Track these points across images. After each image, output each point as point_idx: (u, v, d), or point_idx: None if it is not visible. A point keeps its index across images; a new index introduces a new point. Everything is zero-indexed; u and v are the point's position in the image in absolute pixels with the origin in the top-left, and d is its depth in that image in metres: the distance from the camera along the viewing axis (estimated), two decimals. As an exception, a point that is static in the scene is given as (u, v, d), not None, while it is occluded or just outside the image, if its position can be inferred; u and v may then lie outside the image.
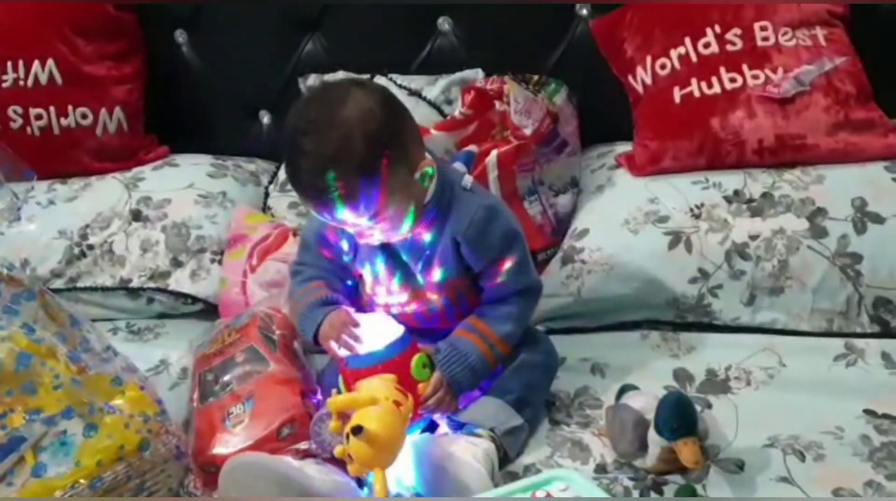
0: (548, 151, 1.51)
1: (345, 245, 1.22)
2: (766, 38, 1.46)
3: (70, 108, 1.71)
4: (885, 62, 1.51)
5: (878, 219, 1.31)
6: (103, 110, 1.73)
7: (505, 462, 1.13)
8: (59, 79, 1.70)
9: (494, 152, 1.45)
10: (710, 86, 1.46)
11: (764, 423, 1.13)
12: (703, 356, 1.29)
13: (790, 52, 1.45)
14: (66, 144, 1.72)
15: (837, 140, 1.41)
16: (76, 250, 1.59)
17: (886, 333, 1.29)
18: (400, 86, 1.64)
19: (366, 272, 1.23)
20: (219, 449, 1.12)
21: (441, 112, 1.63)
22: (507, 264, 1.18)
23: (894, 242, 1.30)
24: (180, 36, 1.82)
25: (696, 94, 1.47)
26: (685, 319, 1.36)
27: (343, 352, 1.15)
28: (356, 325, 1.17)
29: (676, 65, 1.50)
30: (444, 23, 1.71)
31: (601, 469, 1.11)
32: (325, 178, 1.05)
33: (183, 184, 1.67)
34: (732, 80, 1.45)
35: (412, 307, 1.22)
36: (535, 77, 1.58)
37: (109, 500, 1.06)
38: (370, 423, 0.99)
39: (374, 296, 1.23)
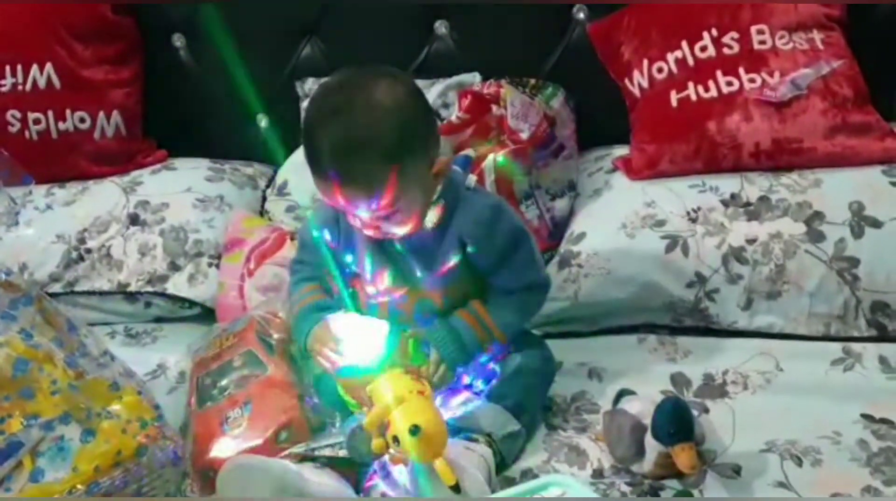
0: (545, 154, 1.51)
1: (347, 242, 1.21)
2: (762, 42, 1.46)
3: (68, 112, 1.71)
4: (882, 65, 1.51)
5: (876, 223, 1.31)
6: (101, 114, 1.73)
7: (502, 468, 1.12)
8: (57, 83, 1.70)
9: (491, 156, 1.45)
10: (706, 89, 1.46)
11: (761, 428, 1.13)
12: (700, 360, 1.29)
13: (787, 55, 1.45)
14: (64, 148, 1.72)
15: (835, 144, 1.41)
16: (74, 255, 1.60)
17: (884, 337, 1.28)
18: (397, 90, 1.65)
19: (363, 270, 1.22)
20: (217, 453, 1.12)
21: (438, 116, 1.63)
22: (514, 261, 1.18)
23: (892, 246, 1.30)
24: (178, 40, 1.83)
25: (693, 97, 1.47)
26: (682, 323, 1.36)
27: (326, 364, 1.16)
28: (337, 341, 1.16)
29: (673, 68, 1.50)
30: (440, 27, 1.71)
31: (598, 473, 1.11)
32: (349, 163, 1.05)
33: (181, 188, 1.67)
34: (729, 83, 1.45)
35: (409, 307, 1.21)
36: (532, 81, 1.58)
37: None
38: (420, 420, 1.01)
39: (372, 295, 1.23)
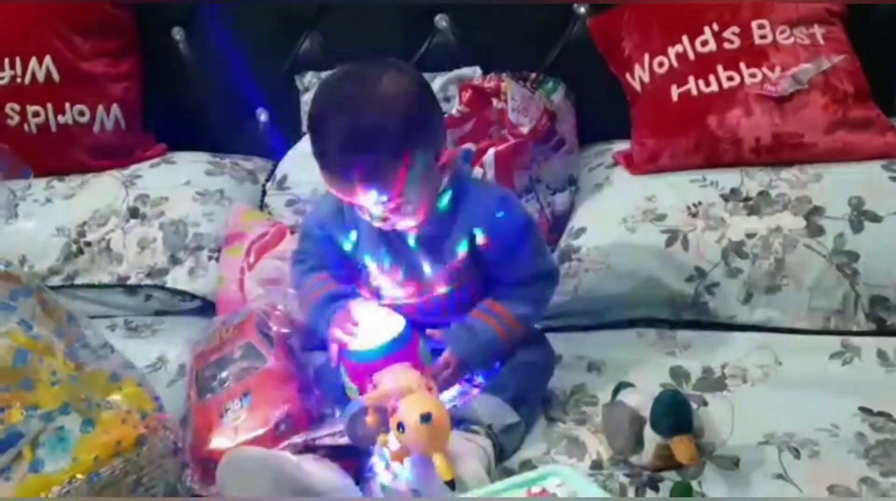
0: (545, 149, 1.51)
1: (352, 236, 1.22)
2: (763, 37, 1.47)
3: (67, 105, 1.71)
4: (883, 61, 1.52)
5: (875, 218, 1.32)
6: (101, 108, 1.73)
7: (501, 459, 1.13)
8: (56, 76, 1.71)
9: (492, 151, 1.45)
10: (707, 84, 1.47)
11: (760, 420, 1.13)
12: (699, 353, 1.29)
13: (788, 50, 1.46)
14: (63, 141, 1.73)
15: (835, 139, 1.41)
16: (74, 248, 1.60)
17: (882, 331, 1.28)
18: (397, 84, 1.65)
19: (369, 264, 1.22)
20: (217, 444, 1.12)
21: (439, 110, 1.63)
22: (523, 251, 1.19)
23: (891, 240, 1.30)
24: (177, 34, 1.83)
25: (694, 92, 1.47)
26: (682, 317, 1.36)
27: (344, 340, 1.16)
28: (354, 323, 1.17)
29: (674, 63, 1.50)
30: (441, 20, 1.71)
31: (597, 465, 1.11)
32: (357, 155, 1.05)
33: (180, 182, 1.67)
34: (730, 78, 1.45)
35: (415, 300, 1.21)
36: (533, 75, 1.59)
37: (106, 499, 1.06)
38: (432, 409, 1.02)
39: (379, 289, 1.23)
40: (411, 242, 1.18)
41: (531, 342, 1.24)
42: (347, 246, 1.23)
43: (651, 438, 1.06)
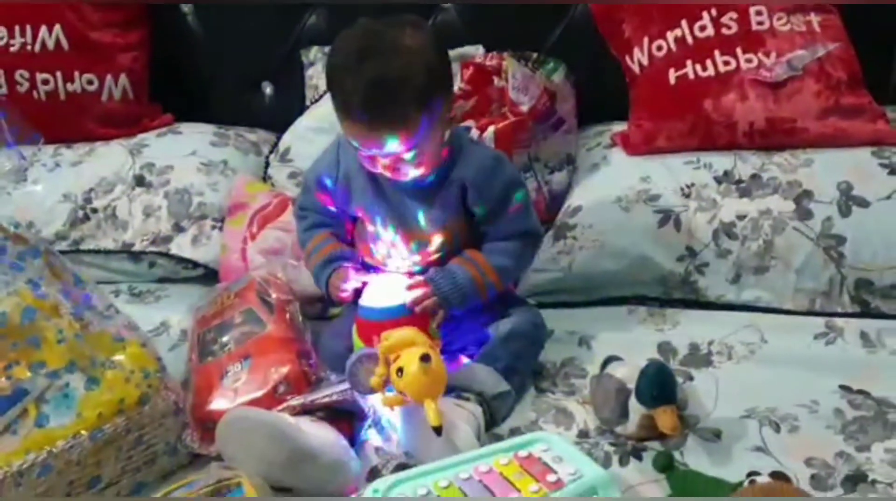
0: (544, 128, 1.54)
1: (347, 187, 1.26)
2: (761, 23, 1.49)
3: (76, 73, 1.74)
4: (877, 49, 1.54)
5: (863, 203, 1.35)
6: (109, 77, 1.75)
7: (491, 426, 1.16)
8: (65, 44, 1.73)
9: (491, 128, 1.48)
10: (704, 68, 1.49)
11: (743, 395, 1.17)
12: (687, 330, 1.32)
13: (784, 36, 1.48)
14: (71, 109, 1.75)
15: (826, 125, 1.44)
16: (80, 214, 1.63)
17: (866, 313, 1.32)
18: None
19: (363, 216, 1.26)
20: (217, 405, 1.15)
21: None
22: (510, 208, 1.23)
23: (877, 225, 1.33)
24: (186, 6, 1.85)
25: (691, 76, 1.50)
26: (672, 295, 1.39)
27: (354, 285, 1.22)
28: (346, 281, 1.24)
29: (672, 47, 1.53)
30: (445, -1, 1.73)
31: (583, 434, 1.14)
32: (383, 103, 1.10)
33: (186, 152, 1.70)
34: (726, 63, 1.48)
35: (408, 260, 1.25)
36: (535, 55, 1.61)
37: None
38: (433, 355, 1.07)
39: (372, 245, 1.27)
40: (406, 194, 1.22)
41: (523, 315, 1.27)
42: (342, 199, 1.27)
43: (636, 408, 1.09)
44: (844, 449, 1.07)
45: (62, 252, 1.56)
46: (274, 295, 1.29)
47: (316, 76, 1.76)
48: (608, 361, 1.22)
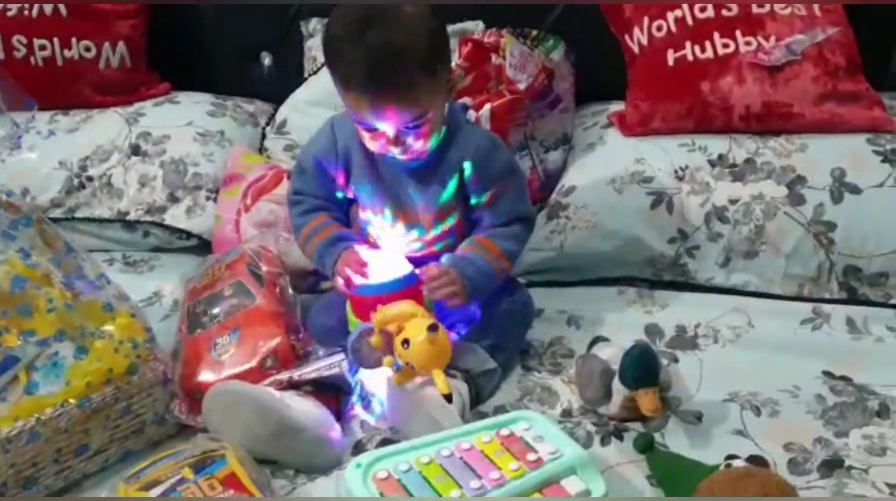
0: (541, 106, 1.53)
1: (346, 167, 1.25)
2: (761, 6, 1.48)
3: (74, 40, 1.73)
4: (878, 35, 1.53)
5: (855, 190, 1.35)
6: (107, 44, 1.74)
7: (477, 403, 1.18)
8: (63, 10, 1.72)
9: (488, 106, 1.48)
10: (703, 50, 1.48)
11: (726, 379, 1.18)
12: (675, 313, 1.33)
13: (784, 20, 1.47)
14: (68, 75, 1.75)
15: (823, 110, 1.43)
16: (75, 182, 1.63)
17: (853, 300, 1.33)
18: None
19: (361, 198, 1.26)
20: (205, 377, 1.17)
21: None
22: (507, 191, 1.23)
23: (868, 212, 1.33)
24: (186, -27, 1.84)
25: (690, 57, 1.49)
26: (662, 277, 1.40)
27: (355, 279, 1.19)
28: (363, 263, 1.20)
29: (672, 27, 1.52)
30: (446, -28, 1.71)
31: (567, 413, 1.16)
32: (389, 71, 1.08)
33: (182, 121, 1.70)
34: (725, 45, 1.47)
35: (405, 242, 1.25)
36: (534, 32, 1.60)
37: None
38: (438, 324, 1.08)
39: (369, 226, 1.27)
40: (402, 174, 1.22)
41: (512, 294, 1.28)
42: (340, 179, 1.26)
43: (618, 389, 1.10)
44: (823, 435, 1.08)
45: (57, 220, 1.59)
46: (265, 268, 1.29)
47: (315, 48, 1.75)
48: (595, 341, 1.23)
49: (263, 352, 1.17)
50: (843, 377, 1.17)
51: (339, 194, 1.29)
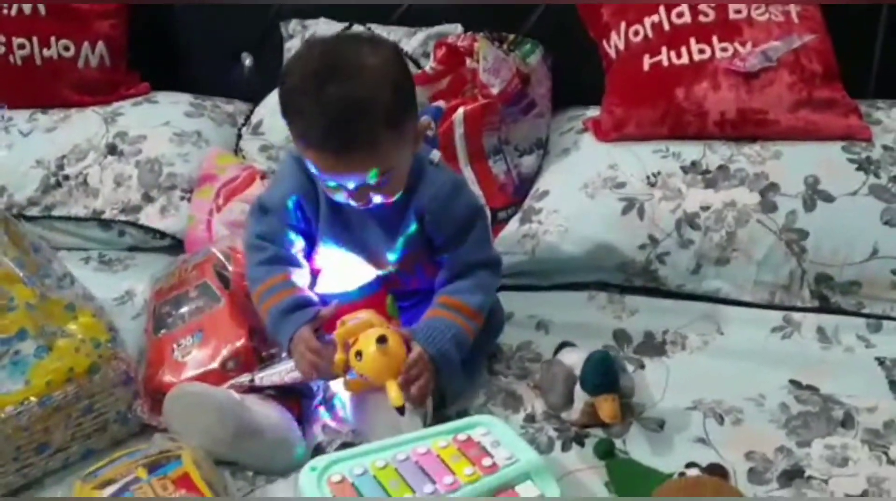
0: (514, 111, 1.53)
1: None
2: (738, 11, 1.47)
3: (52, 39, 1.73)
4: (855, 42, 1.52)
5: (828, 198, 1.34)
6: (86, 44, 1.74)
7: (440, 407, 1.16)
8: (42, 9, 1.72)
9: (461, 110, 1.47)
10: (679, 56, 1.48)
11: (691, 387, 1.17)
12: (644, 319, 1.32)
13: (761, 26, 1.46)
14: (47, 74, 1.74)
15: (798, 118, 1.43)
16: (52, 180, 1.63)
17: (825, 308, 1.32)
18: (378, 37, 1.66)
19: (323, 241, 1.20)
20: (166, 377, 1.16)
21: (418, 65, 1.64)
22: (470, 238, 1.17)
23: (841, 220, 1.32)
24: (167, -28, 1.83)
25: (665, 63, 1.48)
26: (633, 283, 1.39)
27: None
28: (318, 351, 1.11)
29: (649, 32, 1.51)
30: (424, -25, 1.71)
31: (530, 418, 1.15)
32: (351, 127, 1.01)
33: (159, 121, 1.70)
34: (701, 51, 1.46)
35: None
36: (511, 37, 1.60)
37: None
38: (389, 335, 1.06)
39: (326, 268, 1.22)
40: (367, 218, 1.16)
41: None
42: (312, 219, 1.18)
43: (580, 396, 1.10)
44: (785, 444, 1.08)
45: (34, 218, 1.60)
46: (231, 269, 1.28)
47: (294, 49, 1.75)
48: (561, 346, 1.22)
49: (225, 354, 1.17)
50: (809, 387, 1.16)
51: (302, 237, 1.19)
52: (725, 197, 1.36)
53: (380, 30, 1.67)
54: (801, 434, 1.09)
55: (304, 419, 1.17)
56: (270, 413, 1.12)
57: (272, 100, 1.72)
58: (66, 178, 1.63)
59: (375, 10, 1.72)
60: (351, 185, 1.08)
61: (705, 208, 1.36)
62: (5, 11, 1.72)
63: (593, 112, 1.61)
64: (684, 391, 1.17)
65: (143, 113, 1.73)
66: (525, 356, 1.27)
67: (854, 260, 1.30)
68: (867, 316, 1.30)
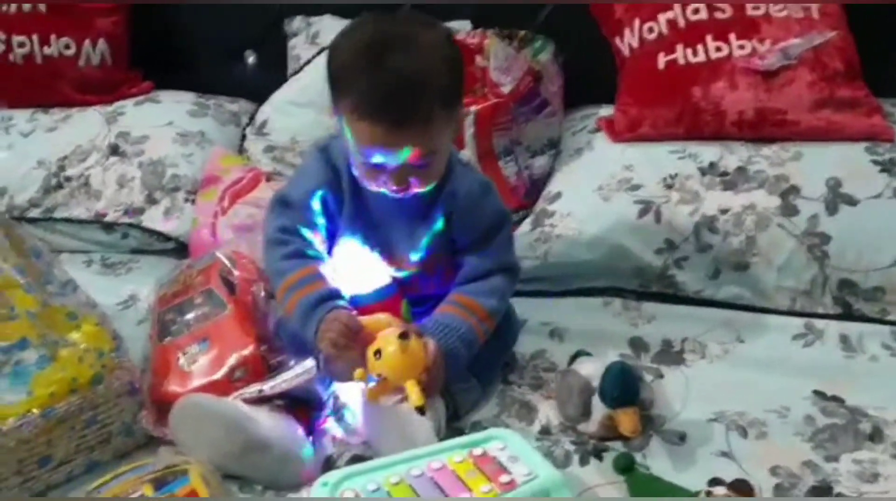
0: (527, 110, 1.49)
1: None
2: (757, 7, 1.44)
3: (53, 37, 1.70)
4: (878, 39, 1.48)
5: (851, 201, 1.30)
6: (87, 42, 1.71)
7: (454, 419, 1.14)
8: (42, 7, 1.69)
9: (472, 109, 1.44)
10: (695, 53, 1.44)
11: (712, 397, 1.14)
12: (661, 326, 1.29)
13: (780, 23, 1.43)
14: (48, 73, 1.71)
15: (819, 118, 1.39)
16: (53, 182, 1.60)
17: (847, 315, 1.28)
18: (386, 33, 1.62)
19: (346, 235, 1.18)
20: (172, 387, 1.13)
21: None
22: (494, 241, 1.16)
23: (865, 225, 1.29)
24: (169, -31, 1.80)
25: (681, 61, 1.45)
26: (649, 288, 1.36)
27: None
28: (352, 331, 1.07)
29: (664, 29, 1.47)
30: (434, -30, 1.67)
31: (546, 430, 1.12)
32: (408, 101, 1.00)
33: (163, 121, 1.66)
34: (718, 49, 1.43)
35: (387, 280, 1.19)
36: (522, 33, 1.56)
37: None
38: (411, 332, 1.04)
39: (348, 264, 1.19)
40: (390, 213, 1.14)
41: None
42: (336, 214, 1.15)
43: (598, 408, 1.07)
44: (812, 459, 1.04)
45: (35, 220, 1.57)
46: (237, 274, 1.25)
47: (298, 47, 1.72)
48: (576, 355, 1.19)
49: (232, 363, 1.14)
50: (834, 398, 1.13)
51: (325, 232, 1.16)
52: (745, 200, 1.33)
53: (387, 27, 1.64)
54: (829, 449, 1.05)
55: (313, 430, 1.13)
56: (278, 426, 1.09)
57: (277, 99, 1.69)
58: (68, 179, 1.60)
59: (384, 5, 1.67)
60: (398, 160, 1.04)
61: (724, 212, 1.33)
62: (5, 9, 1.69)
63: (606, 111, 1.58)
64: (705, 402, 1.13)
65: (145, 112, 1.70)
66: (539, 365, 1.24)
67: (878, 266, 1.27)
68: (892, 324, 1.26)
